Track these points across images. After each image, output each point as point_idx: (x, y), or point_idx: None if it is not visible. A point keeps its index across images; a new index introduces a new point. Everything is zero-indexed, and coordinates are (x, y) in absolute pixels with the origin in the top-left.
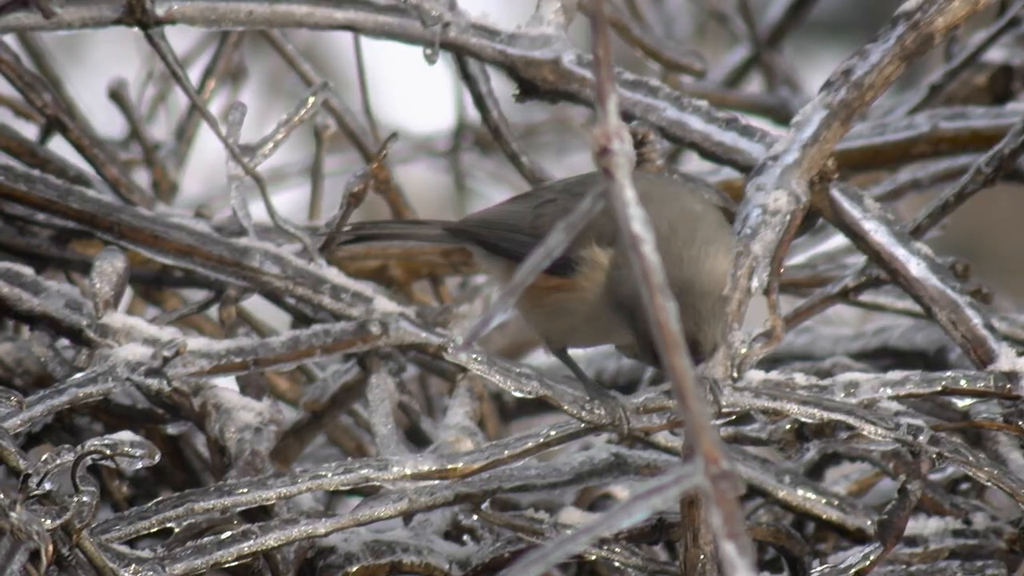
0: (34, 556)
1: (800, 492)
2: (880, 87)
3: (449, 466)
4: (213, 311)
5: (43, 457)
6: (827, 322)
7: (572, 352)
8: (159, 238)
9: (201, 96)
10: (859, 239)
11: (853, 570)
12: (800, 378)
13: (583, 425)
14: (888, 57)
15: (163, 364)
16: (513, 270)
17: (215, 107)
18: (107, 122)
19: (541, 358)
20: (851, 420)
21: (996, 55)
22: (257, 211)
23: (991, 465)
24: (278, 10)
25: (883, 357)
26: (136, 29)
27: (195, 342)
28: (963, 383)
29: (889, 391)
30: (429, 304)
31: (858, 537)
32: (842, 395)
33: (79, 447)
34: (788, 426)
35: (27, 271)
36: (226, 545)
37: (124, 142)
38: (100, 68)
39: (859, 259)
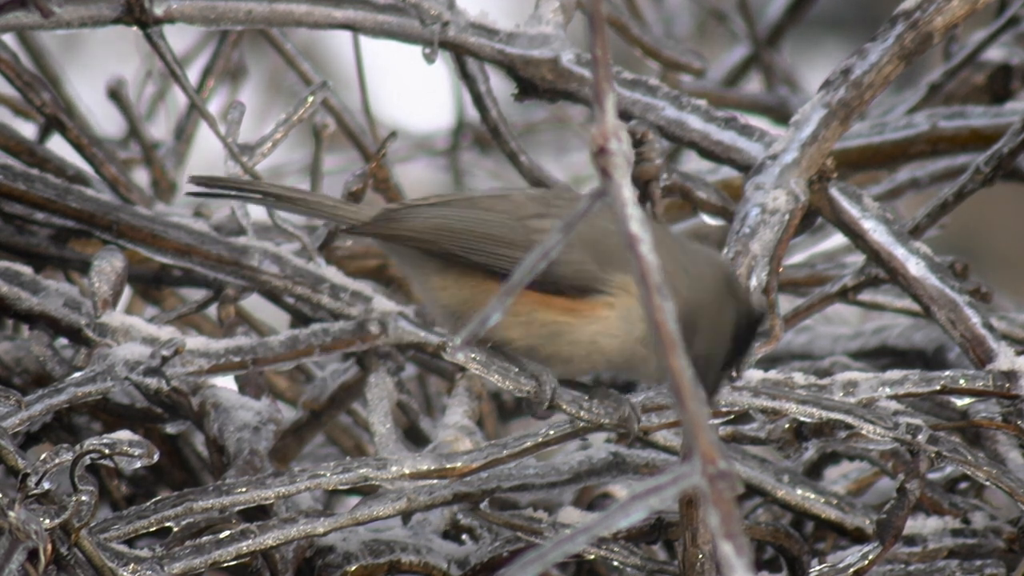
0: (32, 555)
1: (799, 491)
2: (879, 86)
3: (448, 465)
4: (212, 310)
5: (42, 456)
6: (826, 321)
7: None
8: (158, 237)
9: (200, 95)
10: (858, 238)
11: (852, 569)
12: (799, 377)
13: (583, 424)
14: (887, 56)
15: (162, 363)
16: (470, 280)
17: (214, 106)
18: (106, 121)
19: None
20: (850, 419)
21: (995, 54)
22: (256, 210)
23: (990, 464)
24: (277, 9)
25: (882, 356)
26: (135, 28)
27: (194, 341)
28: (962, 382)
29: (888, 390)
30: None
31: (857, 536)
32: (841, 394)
33: (78, 446)
34: (787, 425)
35: (26, 270)
36: (225, 544)
37: (123, 141)
38: (99, 67)
39: (858, 258)
